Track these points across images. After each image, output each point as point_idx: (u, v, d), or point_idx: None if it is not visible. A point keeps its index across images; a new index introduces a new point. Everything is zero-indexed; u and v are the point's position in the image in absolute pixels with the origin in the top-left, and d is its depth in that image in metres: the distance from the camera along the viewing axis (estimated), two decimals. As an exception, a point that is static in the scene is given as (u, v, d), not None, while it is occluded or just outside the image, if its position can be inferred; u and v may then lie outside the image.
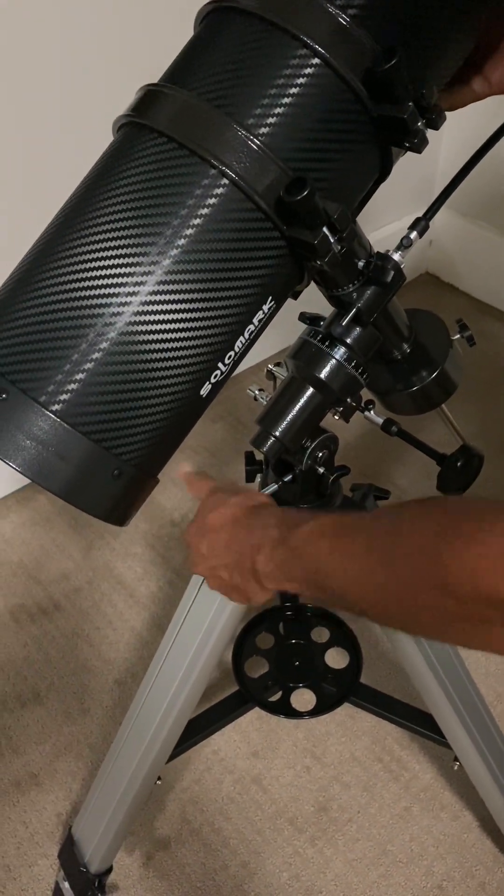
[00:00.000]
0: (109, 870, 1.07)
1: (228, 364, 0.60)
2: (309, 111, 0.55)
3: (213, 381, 0.59)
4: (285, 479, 0.81)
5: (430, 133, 0.59)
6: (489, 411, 1.74)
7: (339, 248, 0.56)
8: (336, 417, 0.78)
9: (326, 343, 0.70)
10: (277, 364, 0.78)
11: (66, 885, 1.06)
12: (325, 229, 0.56)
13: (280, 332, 0.77)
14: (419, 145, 0.56)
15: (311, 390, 0.72)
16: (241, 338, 0.59)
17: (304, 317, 0.77)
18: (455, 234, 2.04)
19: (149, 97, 0.58)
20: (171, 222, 0.54)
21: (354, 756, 1.24)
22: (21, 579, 1.49)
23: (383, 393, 0.82)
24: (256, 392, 0.80)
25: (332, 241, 0.56)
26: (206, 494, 0.74)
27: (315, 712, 1.12)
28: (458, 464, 0.73)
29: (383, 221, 1.97)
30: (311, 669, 1.14)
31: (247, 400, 0.88)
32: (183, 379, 0.57)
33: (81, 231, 0.56)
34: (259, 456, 0.83)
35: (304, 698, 1.20)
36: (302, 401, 0.72)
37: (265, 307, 0.59)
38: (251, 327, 0.59)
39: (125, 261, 0.55)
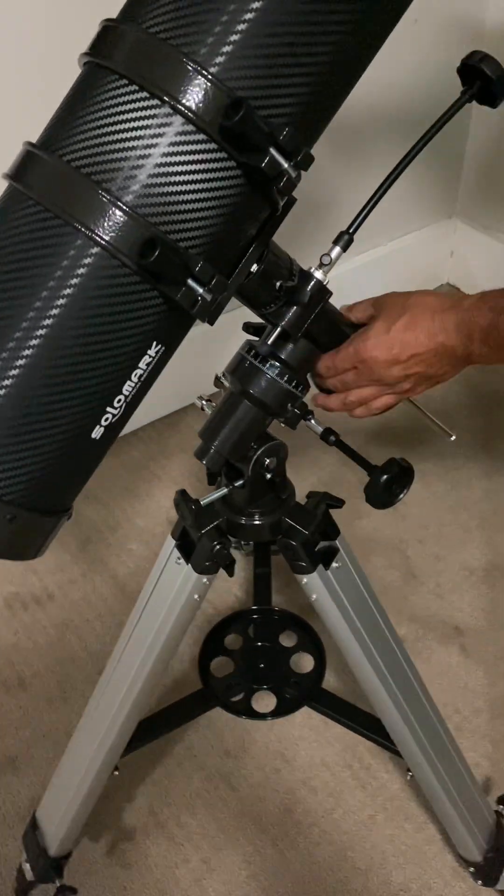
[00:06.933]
0: (68, 855, 1.10)
1: (120, 407, 0.61)
2: (171, 165, 0.56)
3: (104, 423, 0.61)
4: (235, 485, 0.83)
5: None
6: (497, 425, 1.73)
7: (210, 297, 0.58)
8: (283, 425, 0.80)
9: (260, 359, 0.72)
10: None
11: (28, 867, 1.09)
12: (189, 282, 0.57)
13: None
14: (285, 190, 0.58)
15: (247, 405, 0.74)
16: (129, 382, 0.61)
17: (247, 327, 0.79)
18: (476, 245, 2.03)
19: (27, 157, 0.60)
20: (45, 283, 0.57)
21: (325, 761, 1.25)
22: (18, 567, 1.54)
23: None
24: (203, 402, 0.82)
25: (199, 292, 0.57)
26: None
27: (274, 715, 1.14)
28: (383, 479, 0.74)
29: (405, 230, 1.97)
30: (274, 672, 1.16)
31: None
32: (64, 427, 0.59)
33: None
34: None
35: (266, 700, 1.22)
36: (238, 415, 0.74)
37: (151, 352, 0.61)
38: (138, 371, 0.61)
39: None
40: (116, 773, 1.06)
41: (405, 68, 1.59)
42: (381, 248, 1.93)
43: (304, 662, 1.24)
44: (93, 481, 0.69)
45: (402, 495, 0.74)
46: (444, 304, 0.76)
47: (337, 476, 1.61)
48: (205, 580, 0.85)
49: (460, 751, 1.04)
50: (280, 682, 1.16)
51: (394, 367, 0.77)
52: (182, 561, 0.85)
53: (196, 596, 0.86)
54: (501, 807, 1.11)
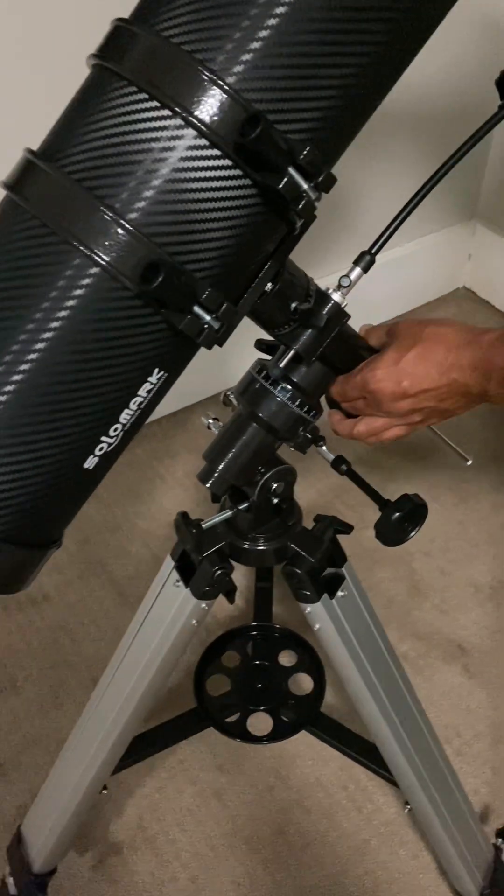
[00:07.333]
0: (53, 871, 1.08)
1: (116, 435, 0.57)
2: (181, 182, 0.52)
3: (98, 453, 0.57)
4: (240, 508, 0.80)
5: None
6: (509, 437, 1.69)
7: (217, 326, 0.54)
8: (292, 449, 0.76)
9: (271, 381, 0.68)
10: None
11: (11, 881, 1.06)
12: (196, 309, 0.53)
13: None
14: (303, 212, 0.53)
15: (255, 428, 0.70)
16: (127, 411, 0.57)
17: (260, 345, 0.75)
18: (495, 250, 1.98)
19: (27, 167, 0.55)
20: (39, 304, 0.53)
21: (320, 781, 1.22)
22: (14, 567, 1.51)
23: None
24: (210, 421, 0.78)
25: (206, 320, 0.54)
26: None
27: (270, 738, 1.10)
28: (394, 517, 0.70)
29: (423, 232, 1.92)
30: (272, 693, 1.12)
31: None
32: (55, 457, 0.56)
33: None
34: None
35: (262, 722, 1.18)
36: (246, 438, 0.71)
37: (152, 379, 0.57)
38: (138, 399, 0.57)
39: None
40: (105, 791, 1.03)
41: (424, 66, 1.54)
42: (399, 248, 1.88)
43: (303, 683, 1.21)
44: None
45: (413, 533, 0.71)
46: (461, 337, 0.71)
47: (343, 484, 1.57)
48: (203, 605, 0.81)
49: (460, 783, 1.01)
50: (277, 703, 1.13)
51: (402, 401, 0.73)
52: (181, 584, 0.82)
53: (194, 621, 0.83)
54: (500, 840, 1.08)
